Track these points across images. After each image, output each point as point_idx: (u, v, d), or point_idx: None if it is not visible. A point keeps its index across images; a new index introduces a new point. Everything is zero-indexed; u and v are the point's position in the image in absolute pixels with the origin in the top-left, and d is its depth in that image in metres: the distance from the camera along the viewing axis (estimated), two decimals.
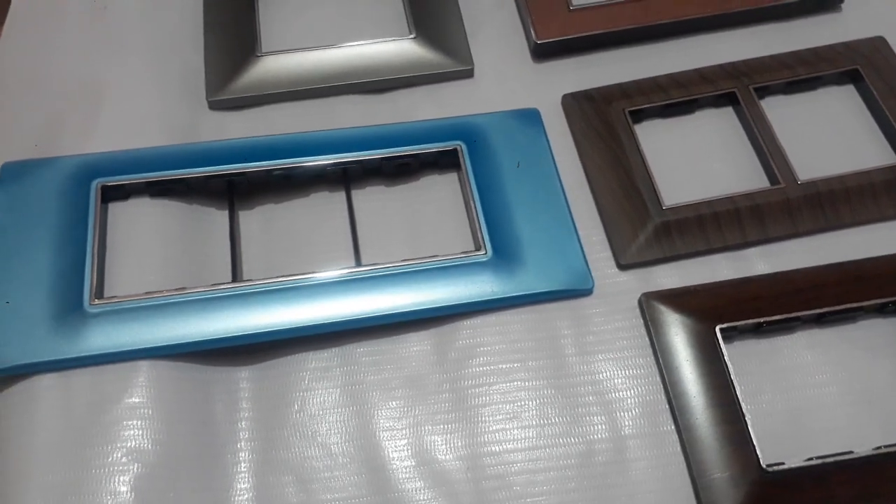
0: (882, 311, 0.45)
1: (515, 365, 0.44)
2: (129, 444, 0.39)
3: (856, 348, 0.44)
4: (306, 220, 0.49)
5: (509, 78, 0.55)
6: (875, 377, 0.43)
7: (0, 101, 0.52)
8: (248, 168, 0.47)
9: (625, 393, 0.43)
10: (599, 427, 0.42)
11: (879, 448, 0.40)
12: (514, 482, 0.41)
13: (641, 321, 0.45)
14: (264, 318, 0.42)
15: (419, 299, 0.44)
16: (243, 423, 0.42)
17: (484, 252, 0.46)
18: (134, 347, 0.41)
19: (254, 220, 0.49)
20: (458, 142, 0.50)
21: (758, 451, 0.40)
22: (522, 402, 0.43)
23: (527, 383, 0.43)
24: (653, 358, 0.44)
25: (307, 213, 0.49)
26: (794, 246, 0.47)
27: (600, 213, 0.49)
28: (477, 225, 0.47)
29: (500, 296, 0.44)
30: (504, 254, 0.46)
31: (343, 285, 0.44)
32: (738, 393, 0.41)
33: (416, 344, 0.44)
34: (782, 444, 0.41)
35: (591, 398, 0.43)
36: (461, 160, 0.49)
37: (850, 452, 0.40)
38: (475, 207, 0.47)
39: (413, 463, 0.41)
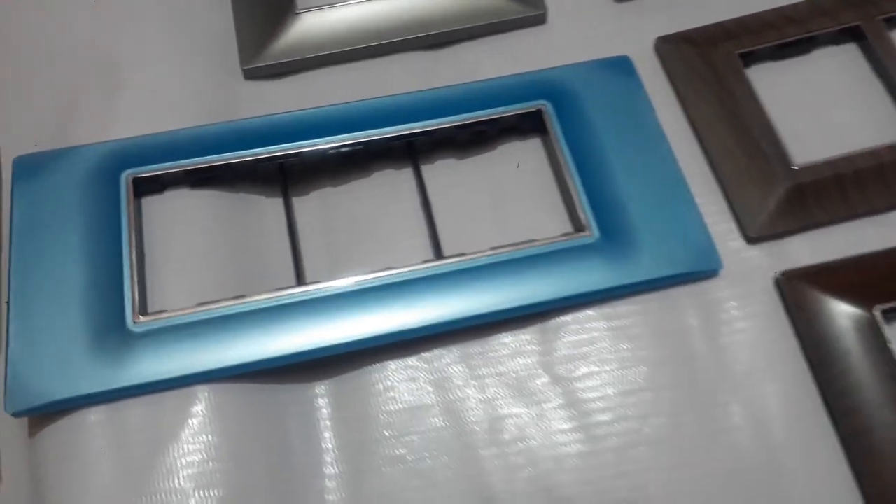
0: None
1: (637, 367, 0.37)
2: (194, 483, 0.33)
3: None
4: (371, 204, 0.42)
5: (588, 22, 0.47)
6: None
7: (5, 86, 0.45)
8: (302, 148, 0.40)
9: (770, 393, 0.36)
10: (744, 437, 0.35)
11: None
12: None
13: (781, 304, 0.38)
14: (339, 327, 0.36)
15: (517, 295, 0.37)
16: (325, 448, 0.36)
17: (589, 233, 0.39)
18: (190, 371, 0.34)
19: (310, 207, 0.42)
20: (542, 101, 0.42)
21: None
22: (650, 411, 0.36)
23: (652, 387, 0.37)
24: (799, 348, 0.37)
25: (371, 196, 0.42)
26: None
27: (717, 176, 0.42)
28: (577, 200, 0.39)
29: (613, 284, 0.37)
30: (613, 234, 0.39)
31: (425, 283, 0.37)
32: None
33: (513, 346, 0.38)
34: None
35: (730, 401, 0.36)
36: (548, 123, 0.42)
37: None
38: (572, 179, 0.40)
39: (531, 489, 0.35)
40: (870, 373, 0.35)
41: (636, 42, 0.46)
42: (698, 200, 0.40)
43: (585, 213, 0.39)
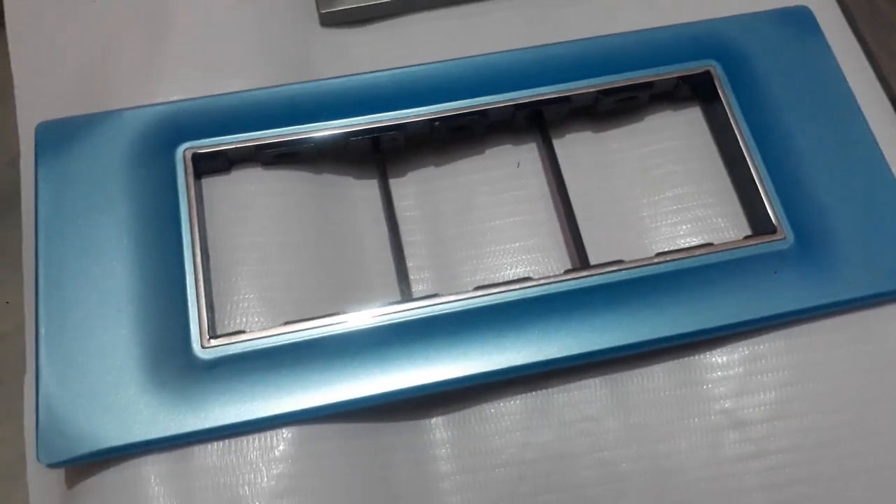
0: None
1: (838, 411, 0.29)
2: None
3: None
4: (487, 190, 0.33)
5: None
6: None
7: (22, 35, 0.36)
8: (406, 118, 0.31)
9: None
10: None
11: None
12: None
13: None
14: (461, 357, 0.28)
15: (691, 318, 0.28)
16: (447, 494, 0.28)
17: (783, 235, 0.30)
18: (275, 412, 0.26)
19: (407, 193, 0.33)
20: (710, 61, 0.33)
21: None
22: (854, 468, 0.28)
23: (857, 436, 0.29)
24: None
25: (486, 179, 0.33)
26: None
27: None
28: (764, 192, 0.30)
29: (814, 304, 0.29)
30: (810, 238, 0.30)
31: (568, 300, 0.28)
32: None
33: (676, 378, 0.29)
34: None
35: None
36: (719, 88, 0.32)
37: None
38: (755, 163, 0.31)
39: None
40: None
41: None
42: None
43: (776, 211, 0.30)
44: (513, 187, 0.33)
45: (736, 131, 0.32)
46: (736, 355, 0.29)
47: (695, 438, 0.29)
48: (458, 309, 0.28)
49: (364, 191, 0.32)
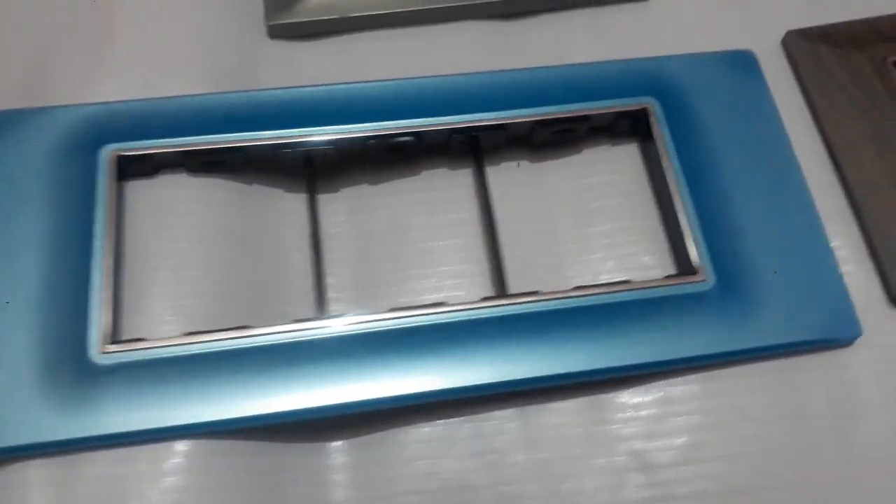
0: None
1: (746, 458, 0.28)
2: None
3: None
4: (417, 212, 0.33)
5: (703, 3, 0.38)
6: None
7: None
8: (338, 133, 0.31)
9: None
10: None
11: None
12: None
13: None
14: (371, 378, 0.27)
15: (603, 355, 0.28)
16: None
17: (703, 277, 0.30)
18: (171, 424, 0.26)
19: (338, 210, 0.33)
20: (648, 98, 0.33)
21: None
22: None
23: (766, 485, 0.28)
24: None
25: (418, 201, 0.33)
26: None
27: (858, 215, 0.33)
28: (688, 231, 0.31)
29: (730, 349, 0.29)
30: (731, 282, 0.30)
31: (484, 328, 0.28)
32: None
33: (584, 415, 0.29)
34: None
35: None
36: (654, 126, 0.32)
37: None
38: (682, 202, 0.31)
39: None
40: None
41: (759, 33, 0.37)
42: (833, 244, 0.32)
43: (699, 251, 0.30)
44: (445, 210, 0.33)
45: (666, 169, 0.32)
46: (649, 396, 0.29)
47: (600, 478, 0.28)
48: (370, 330, 0.28)
49: (293, 205, 0.32)
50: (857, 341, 0.30)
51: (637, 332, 0.29)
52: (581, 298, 0.29)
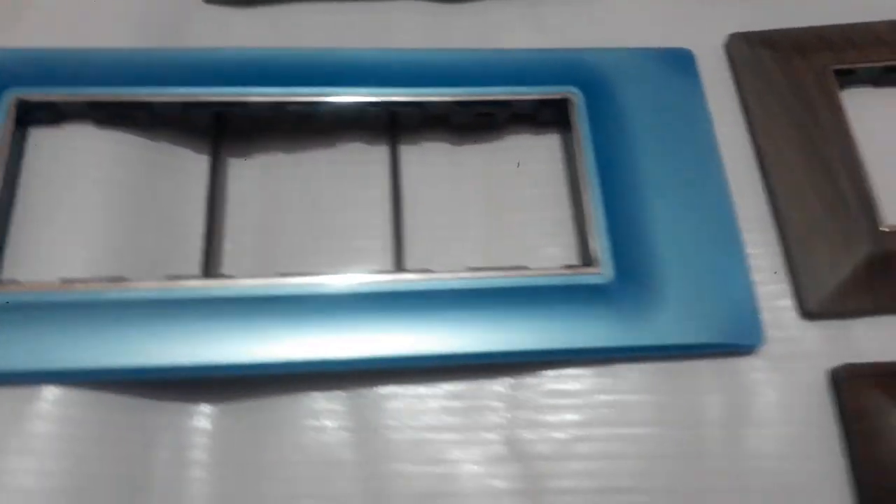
0: None
1: (629, 458, 0.27)
2: None
3: None
4: (327, 184, 0.32)
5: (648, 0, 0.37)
6: None
7: None
8: (249, 96, 0.31)
9: None
10: None
11: None
12: None
13: (833, 407, 0.29)
14: (247, 342, 0.27)
15: (491, 338, 0.27)
16: (192, 494, 0.27)
17: (599, 270, 0.29)
18: (38, 367, 0.26)
19: (248, 176, 0.32)
20: (571, 88, 0.33)
21: None
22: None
23: (644, 488, 0.27)
24: (847, 468, 0.28)
25: (330, 173, 0.32)
26: None
27: (779, 223, 0.32)
28: (591, 224, 0.30)
29: (621, 344, 0.28)
30: (632, 277, 0.29)
31: (374, 301, 0.28)
32: None
33: (466, 399, 0.28)
34: None
35: None
36: (573, 116, 0.32)
37: None
38: (590, 194, 0.30)
39: None
40: None
41: (702, 34, 0.36)
42: (749, 251, 0.31)
43: (599, 244, 0.29)
44: (356, 185, 0.32)
45: (580, 160, 0.31)
46: (535, 386, 0.28)
47: (474, 465, 0.27)
48: (256, 294, 0.28)
49: (199, 166, 0.32)
50: (761, 351, 0.29)
51: (527, 318, 0.28)
52: (473, 280, 0.28)
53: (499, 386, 0.28)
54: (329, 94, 0.31)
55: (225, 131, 0.32)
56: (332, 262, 0.31)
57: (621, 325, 0.28)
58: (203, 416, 0.28)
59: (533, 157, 0.33)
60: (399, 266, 0.30)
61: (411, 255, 0.30)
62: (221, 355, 0.26)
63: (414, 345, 0.27)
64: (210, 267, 0.29)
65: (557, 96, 0.32)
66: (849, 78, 0.35)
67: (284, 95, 0.31)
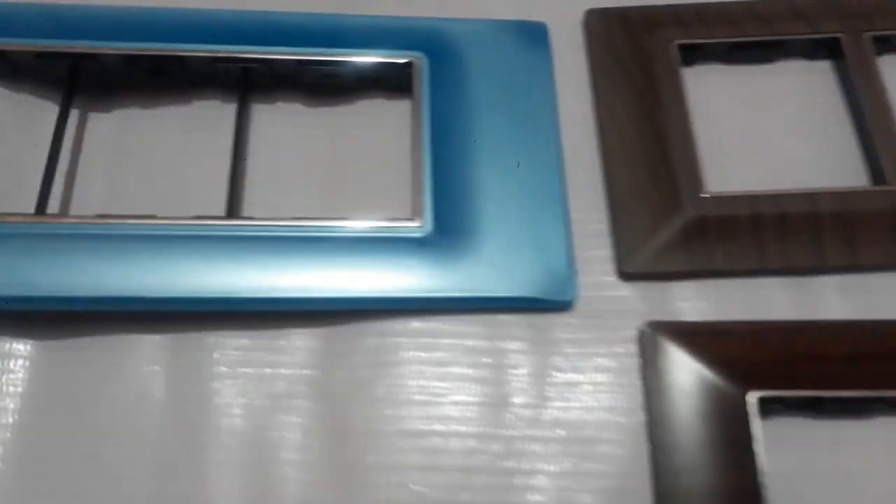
0: None
1: (433, 404, 0.29)
2: None
3: None
4: (177, 140, 0.33)
5: None
6: None
7: None
8: (101, 49, 0.32)
9: (592, 468, 0.28)
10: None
11: None
12: None
13: (638, 361, 0.30)
14: (62, 272, 0.28)
15: (307, 283, 0.29)
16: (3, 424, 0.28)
17: (419, 224, 0.30)
18: None
19: (100, 128, 0.34)
20: (417, 53, 0.34)
21: None
22: (435, 463, 0.28)
23: (447, 433, 0.29)
24: (645, 421, 0.29)
25: (183, 128, 0.34)
26: None
27: (609, 189, 0.33)
28: (419, 181, 0.31)
29: (433, 294, 0.29)
30: (450, 232, 0.30)
31: (196, 244, 0.29)
32: (766, 495, 0.26)
33: (280, 345, 0.30)
34: None
35: (538, 468, 0.28)
36: (415, 80, 0.33)
37: None
38: (420, 154, 0.32)
39: None
40: (722, 471, 0.27)
41: (565, 7, 0.37)
42: (578, 215, 0.32)
43: (423, 200, 0.30)
44: (205, 139, 0.33)
45: (416, 121, 0.32)
46: (351, 335, 0.30)
47: (268, 401, 0.29)
48: (86, 232, 0.29)
49: (51, 116, 0.33)
50: (576, 309, 0.31)
51: (345, 267, 0.29)
52: (296, 228, 0.30)
53: (313, 338, 0.30)
54: (180, 49, 0.33)
55: (82, 84, 0.33)
56: (168, 207, 0.31)
57: (437, 276, 0.29)
58: (21, 345, 0.29)
59: (384, 122, 0.34)
60: (232, 213, 0.31)
61: (250, 205, 0.32)
62: (41, 282, 0.28)
63: (230, 286, 0.28)
64: (43, 203, 0.30)
65: (402, 60, 0.33)
66: (697, 54, 0.36)
67: (136, 49, 0.32)
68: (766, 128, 0.35)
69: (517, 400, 0.29)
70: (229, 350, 0.29)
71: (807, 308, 0.30)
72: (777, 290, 0.31)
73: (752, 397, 0.28)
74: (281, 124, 0.34)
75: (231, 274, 0.29)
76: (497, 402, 0.29)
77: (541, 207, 0.31)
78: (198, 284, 0.28)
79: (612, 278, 0.31)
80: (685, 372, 0.29)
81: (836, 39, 0.35)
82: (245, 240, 0.29)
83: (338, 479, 0.27)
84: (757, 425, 0.27)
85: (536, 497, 0.27)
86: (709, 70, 0.36)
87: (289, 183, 0.33)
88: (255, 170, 0.33)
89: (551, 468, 0.28)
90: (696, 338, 0.29)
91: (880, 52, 0.35)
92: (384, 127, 0.34)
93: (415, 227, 0.30)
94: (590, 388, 0.29)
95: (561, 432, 0.28)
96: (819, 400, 0.28)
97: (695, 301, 0.31)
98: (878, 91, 0.34)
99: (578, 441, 0.28)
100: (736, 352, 0.29)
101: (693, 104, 0.34)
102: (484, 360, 0.29)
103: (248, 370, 0.29)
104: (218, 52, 0.32)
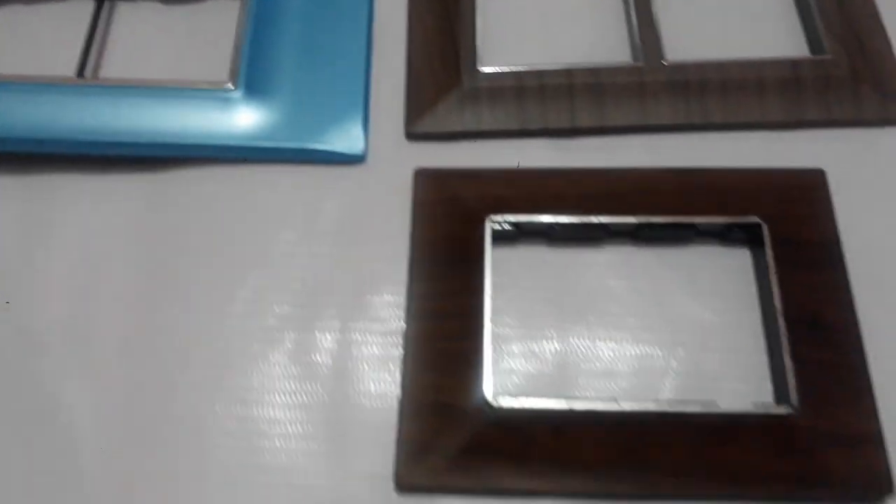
0: (725, 237, 0.34)
1: (247, 237, 0.35)
2: None
3: (679, 277, 0.33)
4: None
5: None
6: (691, 319, 0.32)
7: None
8: None
9: (366, 288, 0.34)
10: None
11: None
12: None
13: (410, 205, 0.36)
14: None
15: (129, 124, 0.35)
16: None
17: (231, 85, 0.36)
18: None
19: None
20: None
21: (484, 387, 0.30)
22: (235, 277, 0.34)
23: (236, 265, 0.34)
24: (408, 248, 0.34)
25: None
26: (638, 142, 0.36)
27: (408, 65, 0.39)
28: (237, 45, 0.37)
29: (241, 143, 0.35)
30: (259, 92, 0.36)
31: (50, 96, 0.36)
32: (486, 305, 0.31)
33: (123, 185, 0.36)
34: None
35: (320, 275, 0.34)
36: None
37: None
38: (240, 20, 0.37)
39: None
40: (455, 283, 0.32)
41: None
42: (385, 82, 0.38)
43: (236, 63, 0.36)
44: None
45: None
46: (172, 180, 0.36)
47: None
48: None
49: None
50: (368, 163, 0.36)
51: (167, 120, 0.35)
52: (126, 87, 0.36)
53: (132, 180, 0.36)
54: None
55: None
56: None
57: (245, 129, 0.36)
58: None
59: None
60: (81, 72, 0.37)
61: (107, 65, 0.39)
62: None
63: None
64: None
65: None
66: None
67: None
68: (543, 12, 0.40)
69: (325, 228, 0.35)
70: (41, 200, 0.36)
71: (561, 161, 0.36)
72: (538, 149, 0.36)
73: (489, 222, 0.33)
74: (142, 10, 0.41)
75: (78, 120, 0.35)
76: (305, 241, 0.35)
77: (342, 72, 0.38)
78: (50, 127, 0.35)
79: (401, 138, 0.37)
80: (444, 205, 0.34)
81: None
82: (94, 91, 0.36)
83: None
84: (488, 245, 0.33)
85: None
86: None
87: (142, 52, 0.39)
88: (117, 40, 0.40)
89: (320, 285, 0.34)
90: (455, 178, 0.35)
91: None
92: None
93: (227, 89, 0.36)
94: (376, 221, 0.35)
95: (345, 255, 0.34)
96: (551, 226, 0.33)
97: (467, 157, 0.36)
98: None
99: (362, 267, 0.34)
100: (486, 189, 0.34)
101: None
102: (293, 206, 0.35)
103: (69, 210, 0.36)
104: None
